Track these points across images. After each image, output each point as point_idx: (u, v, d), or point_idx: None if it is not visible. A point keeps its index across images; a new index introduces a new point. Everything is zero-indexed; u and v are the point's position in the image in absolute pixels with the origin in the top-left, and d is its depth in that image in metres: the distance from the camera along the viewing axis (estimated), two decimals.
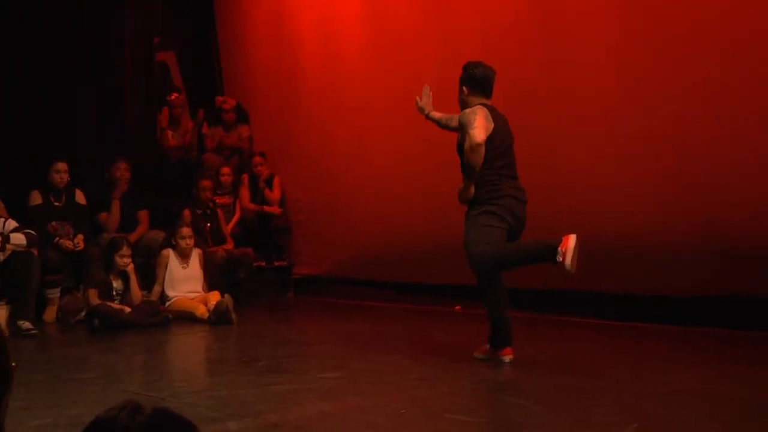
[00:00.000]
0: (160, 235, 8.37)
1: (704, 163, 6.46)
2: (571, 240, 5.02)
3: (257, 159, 9.47)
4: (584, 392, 4.62)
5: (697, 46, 6.46)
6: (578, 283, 7.04)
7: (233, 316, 7.34)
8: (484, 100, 5.49)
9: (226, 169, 9.38)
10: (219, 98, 9.92)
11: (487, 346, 5.42)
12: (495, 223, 5.29)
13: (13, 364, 1.79)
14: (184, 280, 7.87)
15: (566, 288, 7.02)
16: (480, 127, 5.25)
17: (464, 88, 5.54)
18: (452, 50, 7.70)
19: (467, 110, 5.41)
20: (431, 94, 5.95)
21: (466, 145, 5.25)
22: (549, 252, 5.08)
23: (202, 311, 7.48)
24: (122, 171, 8.44)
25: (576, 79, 7.12)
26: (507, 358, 5.31)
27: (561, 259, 5.01)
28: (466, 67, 5.60)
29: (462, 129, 5.39)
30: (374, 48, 8.62)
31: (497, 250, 5.26)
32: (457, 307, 7.87)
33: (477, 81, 5.52)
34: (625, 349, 6.02)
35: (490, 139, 5.33)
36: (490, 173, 5.34)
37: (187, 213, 8.66)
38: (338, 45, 9.01)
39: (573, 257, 4.99)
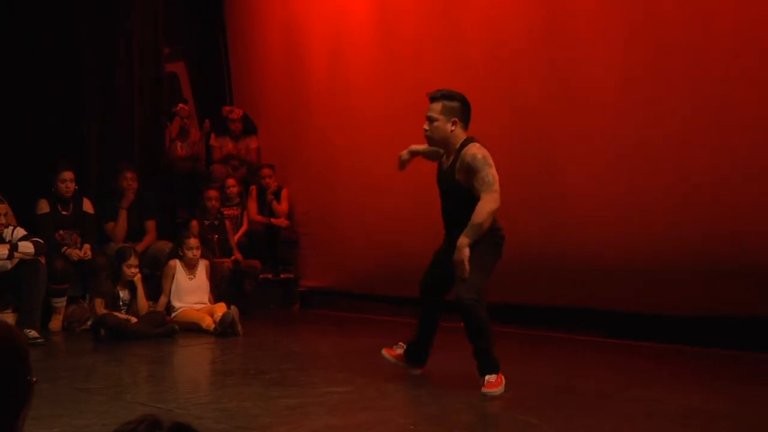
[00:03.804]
0: (167, 245, 8.34)
1: (707, 177, 6.43)
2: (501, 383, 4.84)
3: (265, 171, 9.45)
4: (590, 411, 4.60)
5: (700, 61, 6.44)
6: (581, 300, 7.03)
7: (239, 327, 7.32)
8: (466, 133, 4.97)
9: (231, 181, 9.36)
10: (226, 108, 9.93)
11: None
12: (494, 263, 5.00)
13: (34, 379, 1.78)
14: (191, 291, 7.85)
15: (570, 305, 7.00)
16: (498, 184, 4.76)
17: (455, 119, 4.89)
18: (461, 65, 7.71)
19: (476, 152, 4.80)
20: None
21: (489, 206, 4.74)
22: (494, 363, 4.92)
23: (208, 322, 7.45)
24: (129, 181, 8.41)
25: (580, 93, 7.10)
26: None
27: (486, 390, 4.80)
28: (451, 97, 4.91)
29: (471, 172, 4.80)
30: (384, 62, 8.61)
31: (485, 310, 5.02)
32: (462, 323, 7.81)
33: (465, 111, 4.95)
34: (632, 367, 5.97)
35: None
36: None
37: (194, 224, 8.65)
38: (348, 58, 9.01)
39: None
